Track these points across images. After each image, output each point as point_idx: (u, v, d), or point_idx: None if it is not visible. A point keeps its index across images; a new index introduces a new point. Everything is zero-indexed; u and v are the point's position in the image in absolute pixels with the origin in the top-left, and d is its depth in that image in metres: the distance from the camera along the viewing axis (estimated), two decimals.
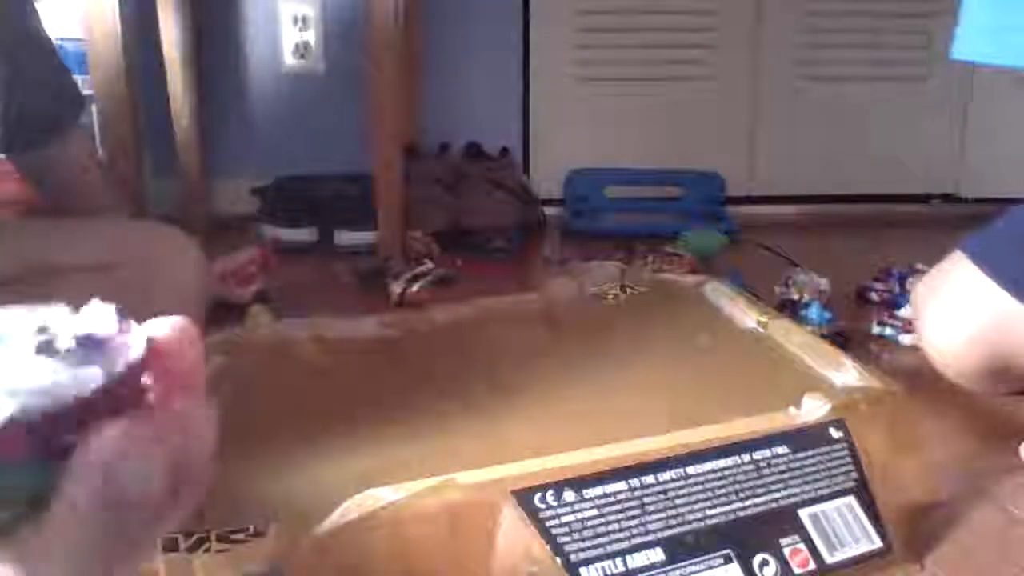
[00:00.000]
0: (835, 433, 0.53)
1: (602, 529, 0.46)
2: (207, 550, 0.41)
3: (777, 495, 0.50)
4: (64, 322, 0.24)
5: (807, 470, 0.52)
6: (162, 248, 0.84)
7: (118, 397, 0.22)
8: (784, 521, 0.49)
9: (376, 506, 0.42)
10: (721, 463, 0.50)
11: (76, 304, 0.24)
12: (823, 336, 0.79)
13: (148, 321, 0.25)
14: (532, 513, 0.45)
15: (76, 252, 0.79)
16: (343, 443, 0.56)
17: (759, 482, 0.50)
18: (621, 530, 0.46)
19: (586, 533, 0.46)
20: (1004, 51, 0.75)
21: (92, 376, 0.22)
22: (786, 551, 0.48)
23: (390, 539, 0.43)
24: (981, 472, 0.64)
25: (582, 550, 0.45)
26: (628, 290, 0.90)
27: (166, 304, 0.83)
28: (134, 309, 0.86)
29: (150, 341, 0.25)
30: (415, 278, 1.10)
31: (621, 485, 0.48)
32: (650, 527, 0.47)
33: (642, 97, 1.77)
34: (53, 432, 0.21)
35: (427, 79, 1.70)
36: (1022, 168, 1.84)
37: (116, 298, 0.84)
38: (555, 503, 0.46)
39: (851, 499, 0.51)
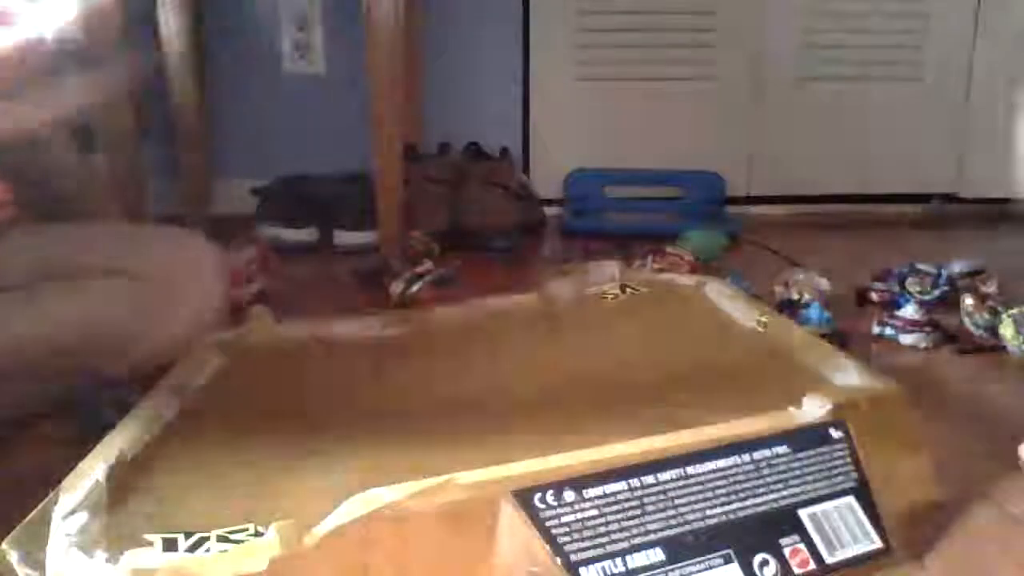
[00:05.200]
0: (835, 433, 0.53)
1: (602, 529, 0.46)
2: (207, 550, 0.41)
3: (777, 495, 0.50)
4: None
5: (807, 470, 0.52)
6: (186, 254, 0.84)
7: None
8: (784, 521, 0.49)
9: (376, 506, 0.42)
10: (721, 463, 0.50)
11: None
12: (823, 336, 0.79)
13: None
14: (532, 513, 0.45)
15: (98, 255, 0.79)
16: (343, 443, 0.56)
17: (759, 482, 0.50)
18: (621, 530, 0.46)
19: (586, 533, 0.46)
20: None
21: None
22: (786, 551, 0.48)
23: (390, 539, 0.43)
24: (981, 472, 0.64)
25: (582, 550, 0.45)
26: (628, 290, 0.90)
27: (189, 308, 0.83)
28: (157, 311, 0.88)
29: None
30: (415, 278, 1.10)
31: (621, 485, 0.48)
32: (650, 527, 0.47)
33: (642, 97, 1.78)
34: None
35: (427, 79, 1.70)
36: (1022, 168, 1.84)
37: (139, 299, 0.85)
38: (555, 503, 0.46)
39: (851, 499, 0.51)
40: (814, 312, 0.98)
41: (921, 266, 1.14)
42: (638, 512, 0.47)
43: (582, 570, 0.44)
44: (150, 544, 0.42)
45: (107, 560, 0.41)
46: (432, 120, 1.71)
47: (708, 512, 0.48)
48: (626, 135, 1.79)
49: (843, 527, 0.50)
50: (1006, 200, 1.85)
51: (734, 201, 1.80)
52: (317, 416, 0.61)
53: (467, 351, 0.77)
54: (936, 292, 1.09)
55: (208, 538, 0.42)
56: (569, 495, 0.46)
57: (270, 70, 1.70)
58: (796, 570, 0.48)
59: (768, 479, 0.50)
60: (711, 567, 0.46)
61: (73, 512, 0.45)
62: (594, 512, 0.46)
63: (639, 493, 0.48)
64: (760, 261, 1.36)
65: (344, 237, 1.43)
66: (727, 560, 0.47)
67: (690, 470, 0.49)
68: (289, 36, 1.69)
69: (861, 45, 1.77)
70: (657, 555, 0.46)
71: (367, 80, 1.28)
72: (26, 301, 0.73)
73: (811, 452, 0.52)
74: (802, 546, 0.49)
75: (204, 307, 0.83)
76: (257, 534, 0.42)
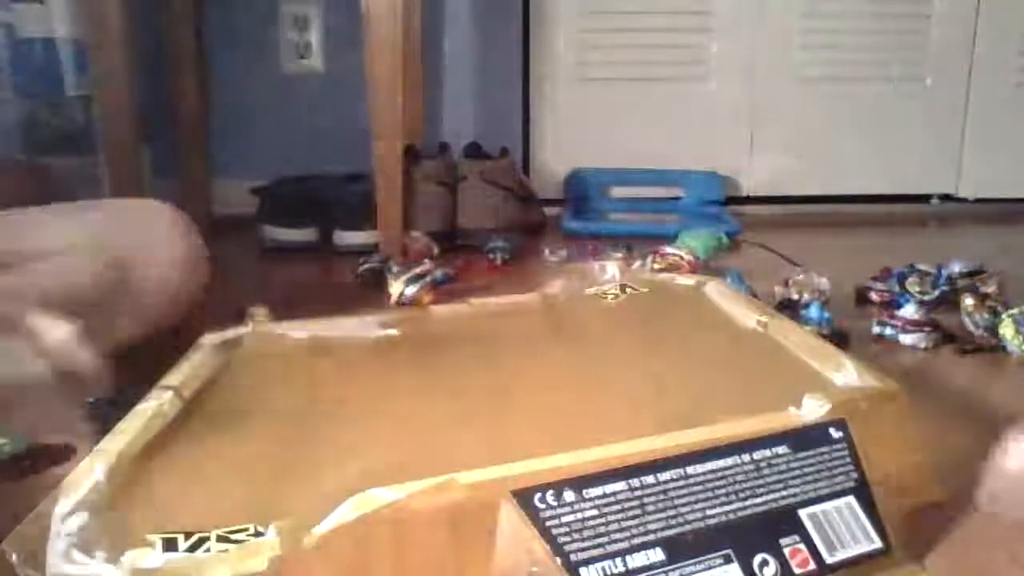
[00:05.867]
0: (835, 433, 0.53)
1: (602, 529, 0.46)
2: (207, 550, 0.41)
3: (777, 495, 0.50)
4: None
5: (807, 470, 0.52)
6: (153, 223, 0.82)
7: None
8: (784, 521, 0.49)
9: (376, 506, 0.42)
10: (721, 463, 0.50)
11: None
12: (823, 336, 0.79)
13: None
14: (532, 513, 0.45)
15: (62, 234, 0.77)
16: (343, 443, 0.56)
17: (759, 482, 0.50)
18: (621, 530, 0.46)
19: (586, 533, 0.45)
20: None
21: None
22: (786, 551, 0.48)
23: (390, 539, 0.43)
24: (981, 472, 0.64)
25: (582, 550, 0.45)
26: (628, 290, 0.90)
27: (159, 278, 0.79)
28: (124, 283, 0.88)
29: None
30: (415, 278, 1.10)
31: (621, 485, 0.47)
32: (650, 527, 0.47)
33: (642, 97, 1.78)
34: None
35: (427, 79, 1.70)
36: (1022, 168, 1.85)
37: (105, 274, 0.84)
38: (555, 503, 0.46)
39: (851, 499, 0.51)
40: (814, 312, 0.98)
41: (921, 266, 1.14)
42: (638, 512, 0.47)
43: (582, 570, 0.44)
44: (150, 544, 0.42)
45: (107, 560, 0.41)
46: (432, 120, 1.71)
47: (708, 512, 0.48)
48: (626, 135, 1.79)
49: (843, 527, 0.50)
50: (1006, 200, 1.85)
51: (734, 201, 1.80)
52: (317, 416, 0.61)
53: (467, 351, 0.77)
54: (936, 292, 1.09)
55: (208, 538, 0.42)
56: (569, 495, 0.46)
57: (270, 70, 1.70)
58: (796, 570, 0.48)
59: (768, 479, 0.50)
60: (711, 567, 0.46)
61: (73, 512, 0.45)
62: (594, 512, 0.46)
63: (639, 493, 0.48)
64: (760, 261, 1.36)
65: (344, 237, 1.43)
66: (727, 560, 0.47)
67: (690, 470, 0.49)
68: (289, 36, 1.69)
69: (861, 45, 1.77)
70: (657, 555, 0.46)
71: (367, 80, 1.28)
72: None
73: (811, 452, 0.52)
74: (802, 546, 0.49)
75: (177, 277, 0.81)
76: (257, 534, 0.42)
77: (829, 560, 0.49)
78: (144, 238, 0.80)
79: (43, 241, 0.75)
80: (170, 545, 0.42)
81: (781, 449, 0.52)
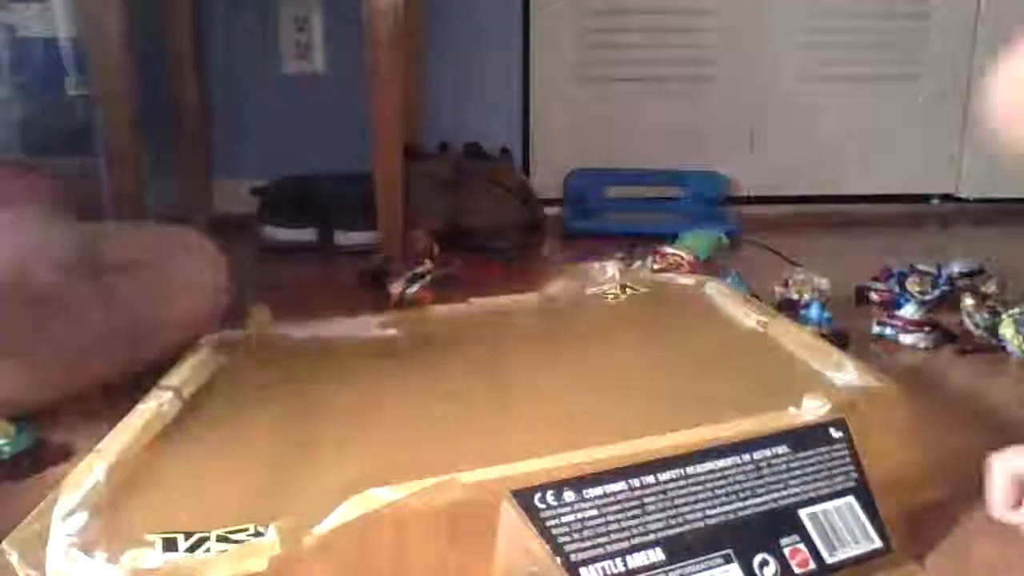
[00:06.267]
0: (835, 433, 0.53)
1: (602, 529, 0.46)
2: (207, 550, 0.41)
3: (777, 495, 0.50)
4: None
5: (807, 470, 0.52)
6: (188, 249, 0.90)
7: None
8: (784, 521, 0.49)
9: (376, 506, 0.42)
10: (721, 463, 0.50)
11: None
12: (823, 336, 0.79)
13: None
14: (532, 513, 0.45)
15: (122, 251, 0.85)
16: (343, 443, 0.56)
17: (759, 482, 0.50)
18: (621, 530, 0.46)
19: (586, 533, 0.46)
20: None
21: None
22: (786, 551, 0.48)
23: (390, 539, 0.43)
24: (981, 472, 0.64)
25: (582, 550, 0.45)
26: (628, 290, 0.90)
27: (190, 294, 0.85)
28: (161, 299, 0.91)
29: None
30: (415, 278, 1.10)
31: (621, 485, 0.48)
32: (650, 527, 0.47)
33: (642, 97, 1.78)
34: None
35: (427, 79, 1.70)
36: (1022, 168, 1.84)
37: (146, 290, 0.89)
38: (555, 503, 0.46)
39: (851, 499, 0.51)
40: (814, 312, 0.98)
41: (921, 266, 1.14)
42: (638, 512, 0.47)
43: (582, 570, 0.44)
44: (150, 544, 0.42)
45: (107, 560, 0.41)
46: (432, 120, 1.71)
47: (708, 512, 0.48)
48: (626, 135, 1.78)
49: (843, 527, 0.50)
50: (1006, 200, 1.85)
51: (734, 201, 1.80)
52: (317, 416, 0.61)
53: (467, 351, 0.77)
54: (936, 292, 1.09)
55: (208, 538, 0.42)
56: (569, 495, 0.46)
57: (270, 70, 1.70)
58: (796, 570, 0.48)
59: (768, 479, 0.50)
60: (711, 567, 0.46)
61: (73, 512, 0.45)
62: (594, 512, 0.46)
63: (639, 493, 0.48)
64: (760, 261, 1.36)
65: (344, 237, 1.43)
66: (727, 560, 0.47)
67: (690, 470, 0.49)
68: (289, 36, 1.69)
69: (861, 45, 1.77)
70: (657, 555, 0.46)
71: (367, 80, 1.28)
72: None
73: (811, 452, 0.52)
74: (802, 546, 0.49)
75: (202, 304, 0.86)
76: (257, 534, 0.42)
77: (829, 560, 0.49)
78: (181, 266, 0.87)
79: (115, 255, 0.83)
80: (170, 545, 0.42)
81: (781, 449, 0.52)
